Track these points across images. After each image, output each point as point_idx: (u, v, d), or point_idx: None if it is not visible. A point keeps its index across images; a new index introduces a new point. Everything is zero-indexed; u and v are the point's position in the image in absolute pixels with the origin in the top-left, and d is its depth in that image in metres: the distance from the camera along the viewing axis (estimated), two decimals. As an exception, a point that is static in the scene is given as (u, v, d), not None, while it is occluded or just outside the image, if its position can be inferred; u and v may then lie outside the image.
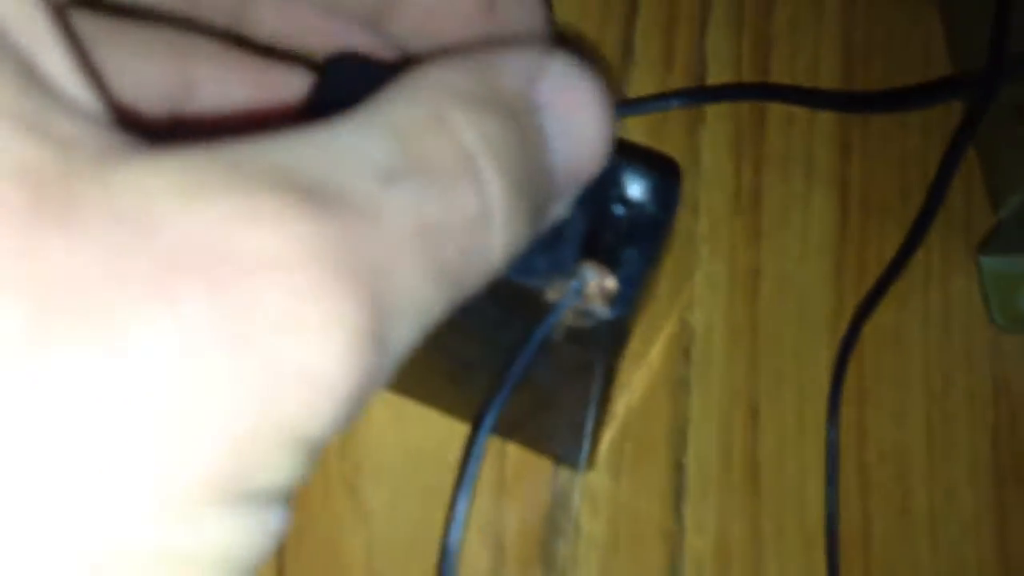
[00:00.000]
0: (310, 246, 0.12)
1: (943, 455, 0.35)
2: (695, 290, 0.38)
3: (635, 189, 0.21)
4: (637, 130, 0.40)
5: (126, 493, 0.11)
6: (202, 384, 0.11)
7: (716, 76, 0.41)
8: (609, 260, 0.20)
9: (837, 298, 0.37)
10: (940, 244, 0.38)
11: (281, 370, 0.12)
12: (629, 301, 0.20)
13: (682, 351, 0.37)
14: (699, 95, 0.40)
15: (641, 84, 0.41)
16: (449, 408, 0.35)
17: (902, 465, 0.35)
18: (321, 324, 0.12)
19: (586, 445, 0.33)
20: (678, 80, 0.41)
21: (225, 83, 0.20)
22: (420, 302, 0.14)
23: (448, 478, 0.35)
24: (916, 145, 0.39)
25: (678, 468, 0.35)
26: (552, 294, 0.21)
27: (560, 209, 0.17)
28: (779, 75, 0.41)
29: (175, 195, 0.12)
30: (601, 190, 0.21)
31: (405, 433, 0.35)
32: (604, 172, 0.21)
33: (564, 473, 0.35)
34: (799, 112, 0.40)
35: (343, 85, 0.22)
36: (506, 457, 0.35)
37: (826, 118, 0.40)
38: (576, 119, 0.17)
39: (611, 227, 0.21)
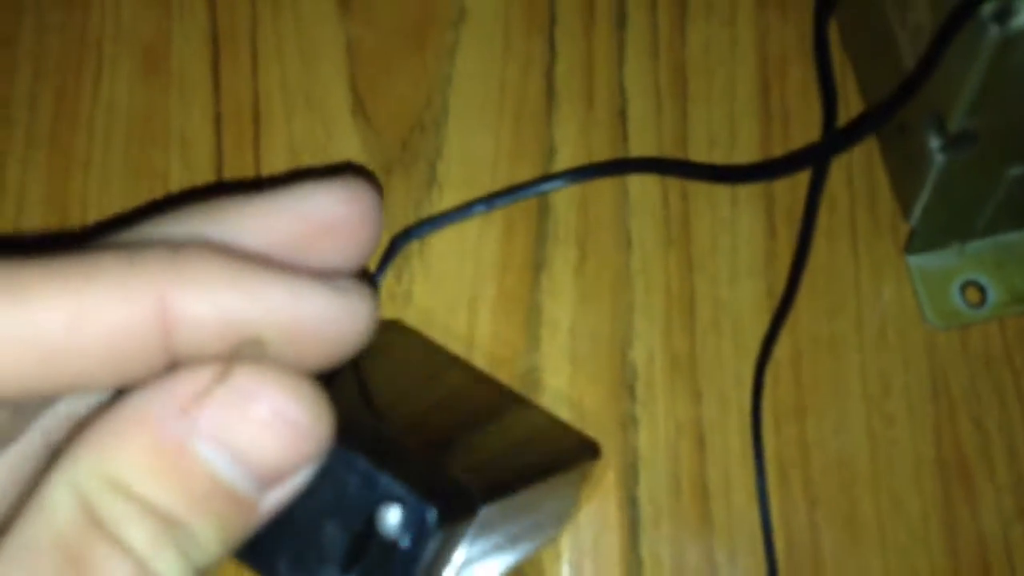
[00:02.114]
0: None
1: (886, 460, 0.35)
2: (634, 325, 0.38)
3: (386, 522, 0.20)
4: (566, 161, 0.40)
5: None
6: None
7: (636, 107, 0.41)
8: None
9: (770, 317, 0.37)
10: (868, 250, 0.38)
11: None
12: None
13: (627, 388, 0.37)
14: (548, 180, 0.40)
15: (566, 122, 0.41)
16: None
17: (846, 475, 0.35)
18: None
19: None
20: (601, 114, 0.41)
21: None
22: None
23: None
24: (839, 160, 0.39)
25: (632, 503, 0.36)
26: None
27: (274, 501, 0.18)
28: (696, 98, 0.41)
29: None
30: (362, 509, 0.21)
31: None
32: (365, 495, 0.21)
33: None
34: (721, 132, 0.40)
35: None
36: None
37: (746, 135, 0.40)
38: (256, 436, 0.17)
39: (370, 548, 0.21)
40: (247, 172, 0.41)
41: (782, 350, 0.37)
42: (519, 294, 0.39)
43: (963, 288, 0.36)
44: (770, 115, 0.40)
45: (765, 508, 0.35)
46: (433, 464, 0.23)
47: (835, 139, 0.35)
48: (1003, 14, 0.24)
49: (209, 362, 0.17)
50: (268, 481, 0.17)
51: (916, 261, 0.37)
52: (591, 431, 0.37)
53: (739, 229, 0.39)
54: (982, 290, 0.36)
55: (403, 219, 0.40)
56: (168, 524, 0.16)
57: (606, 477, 0.36)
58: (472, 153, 0.41)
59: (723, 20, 0.42)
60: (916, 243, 0.36)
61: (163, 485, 0.16)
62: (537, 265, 0.39)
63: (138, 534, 0.16)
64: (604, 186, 0.40)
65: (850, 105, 0.39)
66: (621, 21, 0.42)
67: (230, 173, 0.41)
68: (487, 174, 0.41)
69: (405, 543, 0.20)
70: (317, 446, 0.17)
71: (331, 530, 0.20)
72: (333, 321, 0.18)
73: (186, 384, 0.17)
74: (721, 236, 0.39)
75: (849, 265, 0.38)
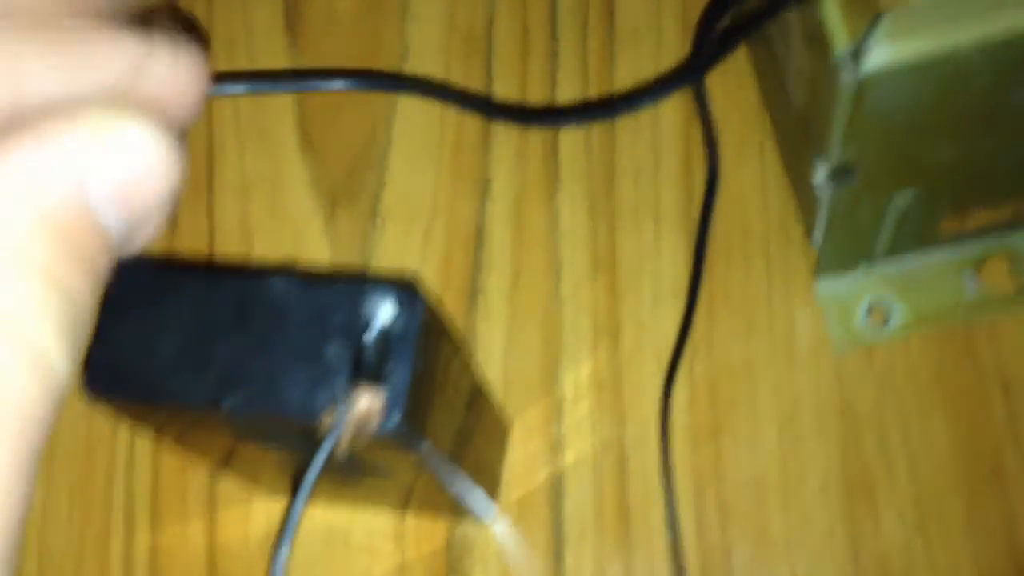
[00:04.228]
0: None
1: (796, 478, 0.37)
2: (563, 349, 0.40)
3: (383, 311, 0.23)
4: (503, 201, 0.42)
5: None
6: None
7: (567, 137, 0.42)
8: (377, 378, 0.23)
9: (687, 338, 0.39)
10: (781, 273, 0.39)
11: None
12: (399, 409, 0.23)
13: (555, 409, 0.39)
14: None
15: (501, 153, 0.42)
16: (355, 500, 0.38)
17: (758, 492, 0.37)
18: None
19: (477, 504, 0.35)
20: (534, 146, 0.42)
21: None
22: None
23: (353, 560, 0.38)
24: (754, 185, 0.40)
25: (557, 520, 0.37)
26: (325, 423, 0.23)
27: (145, 235, 0.17)
28: (624, 130, 0.42)
29: None
30: (354, 321, 0.23)
31: (317, 519, 0.38)
32: (353, 306, 0.23)
33: (457, 536, 0.38)
34: (646, 164, 0.41)
35: (136, 288, 0.25)
36: (404, 533, 0.38)
37: (671, 167, 0.41)
38: (140, 192, 0.16)
39: (371, 349, 0.23)
40: (200, 201, 0.43)
41: (699, 371, 0.38)
42: (456, 319, 0.40)
43: (869, 309, 0.38)
44: (691, 145, 0.41)
45: (674, 525, 0.36)
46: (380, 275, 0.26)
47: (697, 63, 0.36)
48: (856, 54, 0.25)
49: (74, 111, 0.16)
50: (140, 226, 0.17)
51: (824, 283, 0.38)
52: (521, 450, 0.38)
53: (662, 255, 0.40)
54: (886, 311, 0.38)
55: (349, 247, 0.42)
56: (65, 297, 0.15)
57: (534, 496, 0.38)
58: (413, 185, 0.43)
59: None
60: (823, 266, 0.37)
61: (62, 257, 0.15)
62: (473, 292, 0.41)
63: (36, 321, 0.15)
64: (537, 217, 0.41)
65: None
66: (554, 51, 0.44)
67: (182, 207, 0.43)
68: (427, 205, 0.42)
69: (399, 325, 0.23)
70: (178, 187, 0.17)
71: (332, 350, 0.23)
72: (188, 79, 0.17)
73: (73, 141, 0.15)
74: (645, 262, 0.40)
75: (763, 288, 0.39)
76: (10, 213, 0.15)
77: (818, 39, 0.26)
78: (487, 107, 0.42)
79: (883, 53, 0.24)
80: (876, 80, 0.25)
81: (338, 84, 0.42)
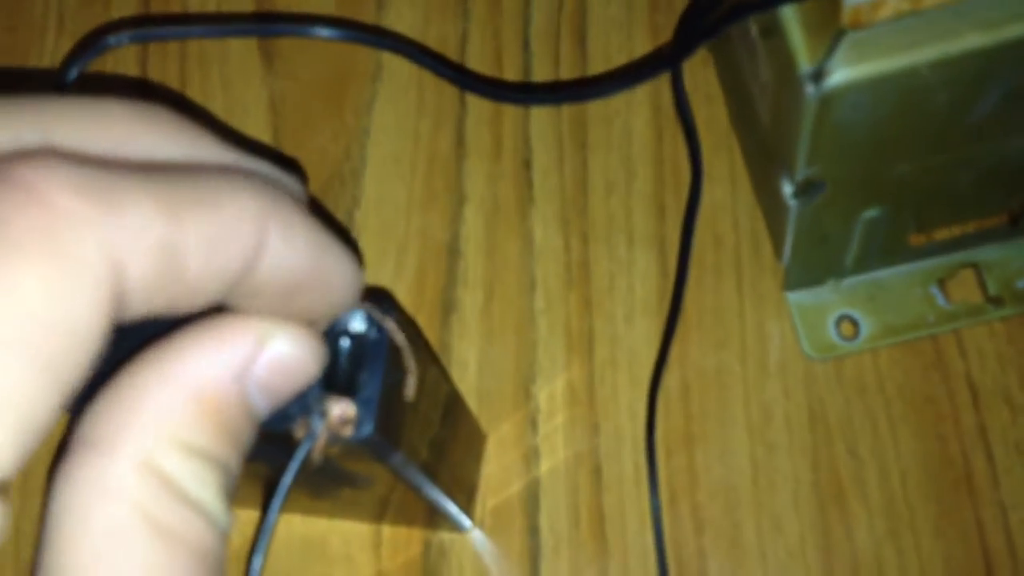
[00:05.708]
0: None
1: (768, 484, 0.38)
2: (537, 363, 0.40)
3: (354, 322, 0.24)
4: (476, 217, 0.42)
5: None
6: None
7: (540, 157, 0.43)
8: (348, 388, 0.24)
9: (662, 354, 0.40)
10: (752, 286, 0.40)
11: None
12: (370, 420, 0.23)
13: (530, 422, 0.40)
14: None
15: (475, 172, 0.43)
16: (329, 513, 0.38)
17: (731, 500, 0.38)
18: None
19: (453, 513, 0.36)
20: (507, 165, 0.43)
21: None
22: None
23: (331, 569, 0.38)
24: (725, 200, 0.41)
25: (533, 531, 0.38)
26: (299, 431, 0.24)
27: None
28: (596, 147, 0.43)
29: None
30: (327, 332, 0.24)
31: (294, 528, 0.39)
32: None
33: (434, 544, 0.38)
34: (618, 180, 0.42)
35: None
36: (381, 542, 0.39)
37: (642, 180, 0.42)
38: (286, 384, 0.19)
39: (343, 359, 0.24)
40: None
41: (672, 382, 0.39)
42: (430, 334, 0.41)
43: (838, 322, 0.39)
44: (663, 161, 0.42)
45: (659, 534, 0.37)
46: None
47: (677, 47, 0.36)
48: (818, 75, 0.26)
49: (250, 313, 0.18)
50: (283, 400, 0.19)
51: (794, 297, 0.39)
52: (496, 462, 0.39)
53: (634, 270, 0.41)
54: (855, 324, 0.39)
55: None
56: (224, 471, 0.18)
57: (510, 507, 0.38)
58: (387, 202, 0.43)
59: (621, 71, 0.44)
60: (791, 281, 0.38)
61: (222, 438, 0.18)
62: (447, 307, 0.41)
63: (206, 490, 0.17)
64: (511, 233, 0.42)
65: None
66: (527, 75, 0.45)
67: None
68: (401, 221, 0.43)
69: (373, 334, 0.24)
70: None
71: None
72: (350, 278, 0.20)
73: (238, 346, 0.18)
74: (618, 277, 0.41)
75: (734, 301, 0.40)
76: (182, 408, 0.17)
77: (782, 57, 0.27)
78: (462, 75, 0.43)
79: (845, 71, 0.25)
80: (838, 97, 0.26)
81: (320, 32, 0.41)
